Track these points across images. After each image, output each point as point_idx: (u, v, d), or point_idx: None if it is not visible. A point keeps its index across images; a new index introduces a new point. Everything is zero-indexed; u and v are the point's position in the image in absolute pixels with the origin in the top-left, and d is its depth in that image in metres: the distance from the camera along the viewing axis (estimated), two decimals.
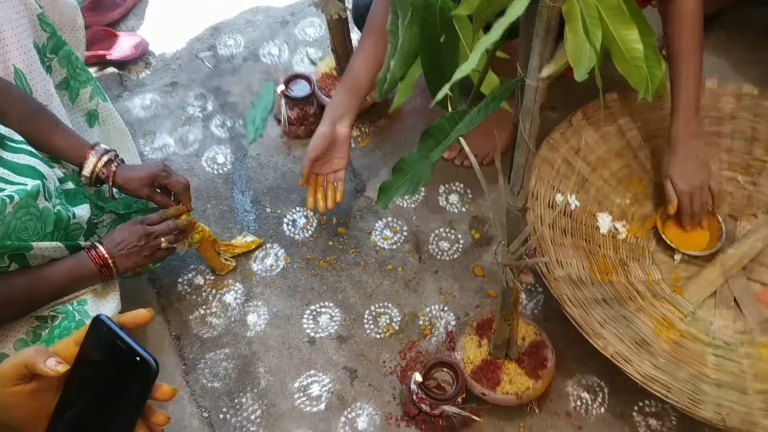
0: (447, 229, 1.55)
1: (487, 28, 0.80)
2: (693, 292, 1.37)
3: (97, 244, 1.25)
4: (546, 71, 0.76)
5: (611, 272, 1.37)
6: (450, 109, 0.94)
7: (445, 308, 1.44)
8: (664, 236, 1.43)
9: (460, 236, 1.54)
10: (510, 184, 0.94)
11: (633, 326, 1.26)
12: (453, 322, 1.42)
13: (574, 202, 1.44)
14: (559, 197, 1.43)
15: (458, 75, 0.80)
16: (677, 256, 1.43)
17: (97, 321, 0.65)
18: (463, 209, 1.58)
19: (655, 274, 1.41)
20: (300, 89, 1.67)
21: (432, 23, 0.89)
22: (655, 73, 0.68)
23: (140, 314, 0.68)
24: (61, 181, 1.27)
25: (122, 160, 1.32)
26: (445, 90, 0.83)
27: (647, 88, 0.68)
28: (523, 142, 0.87)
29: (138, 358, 0.63)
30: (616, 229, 1.45)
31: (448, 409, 1.22)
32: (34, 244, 1.13)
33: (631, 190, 1.51)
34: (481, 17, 0.80)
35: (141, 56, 1.91)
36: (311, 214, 1.59)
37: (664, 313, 1.33)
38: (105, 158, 1.29)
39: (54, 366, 0.64)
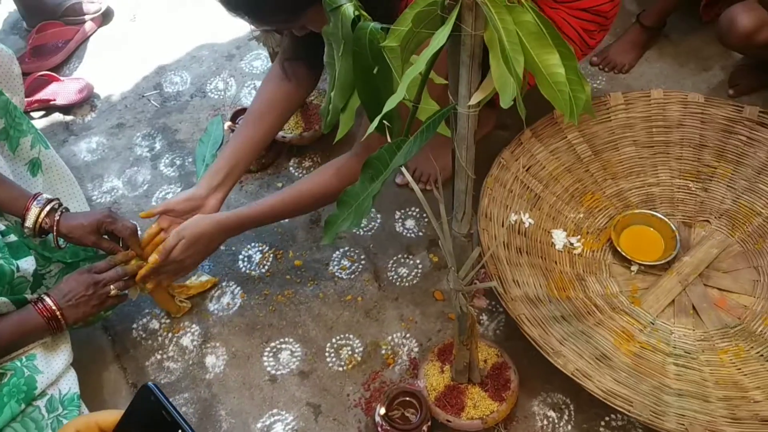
0: (405, 255, 1.54)
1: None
2: (651, 302, 1.38)
3: (44, 297, 1.21)
4: (475, 98, 0.76)
5: (568, 288, 1.37)
6: (389, 139, 0.93)
7: (407, 335, 1.42)
8: (619, 248, 1.44)
9: (418, 261, 1.53)
10: (454, 211, 0.93)
11: (593, 341, 1.26)
12: (416, 349, 1.40)
13: (527, 220, 1.44)
14: (512, 216, 1.43)
15: (389, 105, 0.80)
16: (634, 267, 1.43)
17: (145, 389, 0.63)
18: (420, 233, 1.58)
19: (613, 287, 1.41)
20: None
21: (364, 55, 0.88)
22: (578, 96, 0.68)
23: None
24: (3, 234, 1.24)
25: (66, 209, 1.29)
26: (376, 122, 0.82)
27: (572, 111, 0.68)
28: (461, 168, 0.86)
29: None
30: (572, 244, 1.45)
31: None
32: None
33: (584, 204, 1.52)
34: (409, 47, 0.80)
35: (86, 99, 1.89)
36: (267, 248, 1.56)
37: (623, 325, 1.33)
38: (48, 208, 1.26)
39: None
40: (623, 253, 1.43)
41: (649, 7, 1.84)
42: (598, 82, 1.82)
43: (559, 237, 1.45)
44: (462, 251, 0.97)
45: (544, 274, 1.37)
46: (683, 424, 1.10)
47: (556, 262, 1.41)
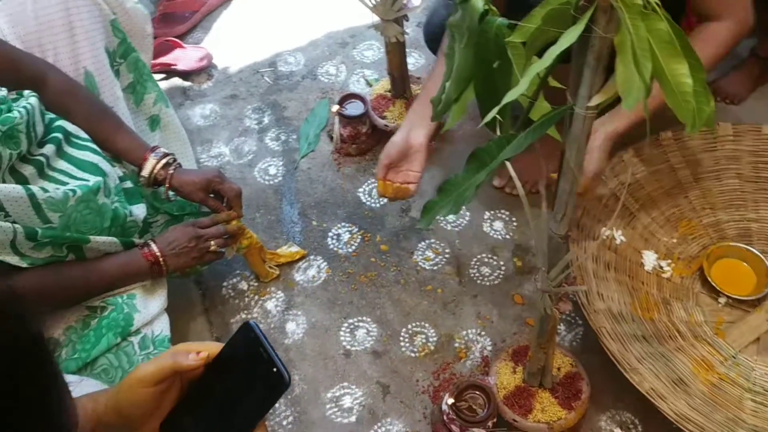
0: (489, 255, 1.56)
1: (540, 56, 0.83)
2: (735, 337, 1.35)
3: (150, 242, 1.30)
4: (595, 100, 0.78)
5: (653, 310, 1.36)
6: (498, 133, 0.96)
7: (482, 333, 1.44)
8: (709, 278, 1.41)
9: (502, 263, 1.55)
10: (554, 211, 0.95)
11: (671, 365, 1.25)
12: (489, 347, 1.42)
13: (619, 237, 1.44)
14: (605, 231, 1.43)
15: (508, 98, 0.82)
16: (722, 299, 1.41)
17: (247, 326, 0.69)
18: (507, 236, 1.59)
19: (698, 316, 1.39)
20: (354, 108, 1.71)
21: (486, 48, 0.91)
22: (703, 108, 0.69)
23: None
24: (121, 179, 1.33)
25: (179, 164, 1.37)
26: (494, 112, 0.85)
27: (694, 123, 0.69)
28: (569, 169, 0.88)
29: (275, 369, 0.66)
30: (661, 267, 1.44)
31: (478, 431, 1.22)
32: (91, 237, 1.19)
33: (679, 230, 1.50)
34: (534, 45, 0.82)
35: (205, 68, 1.99)
36: (356, 229, 1.62)
37: (704, 354, 1.31)
38: (163, 161, 1.34)
39: (195, 358, 0.68)
40: (713, 284, 1.40)
41: (763, 39, 1.79)
42: None
43: (650, 258, 1.43)
44: (555, 252, 0.98)
45: (630, 293, 1.36)
46: None
47: (643, 283, 1.40)
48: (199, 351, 0.69)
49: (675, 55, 0.69)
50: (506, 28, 0.88)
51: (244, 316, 1.49)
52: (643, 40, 0.69)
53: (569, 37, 0.72)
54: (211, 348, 0.70)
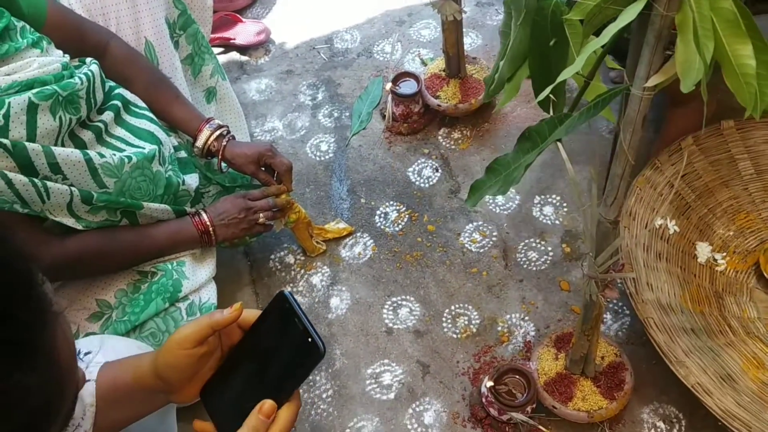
0: (537, 240, 1.54)
1: (598, 34, 0.81)
2: None
3: (201, 212, 1.32)
4: (653, 81, 0.76)
5: (704, 303, 1.32)
6: (552, 113, 0.94)
7: (526, 318, 1.43)
8: (766, 273, 1.36)
9: (550, 248, 1.53)
10: (604, 195, 0.93)
11: (720, 360, 1.21)
12: (532, 333, 1.41)
13: (673, 227, 1.40)
14: (658, 220, 1.39)
15: (563, 76, 0.81)
16: None
17: (281, 295, 0.69)
18: (557, 222, 1.57)
19: (752, 312, 1.34)
20: (407, 87, 1.70)
21: (543, 26, 0.89)
22: (765, 92, 0.66)
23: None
24: (176, 149, 1.36)
25: (233, 137, 1.39)
26: (548, 91, 0.84)
27: (756, 106, 0.66)
28: (622, 152, 0.86)
29: (309, 339, 0.66)
30: (715, 260, 1.40)
31: (516, 416, 1.22)
32: (144, 203, 1.22)
33: (736, 223, 1.45)
34: (593, 22, 0.80)
35: (262, 43, 2.00)
36: (404, 208, 1.61)
37: (755, 352, 1.27)
38: (217, 133, 1.36)
39: (230, 311, 0.69)
40: None
41: None
42: None
43: (704, 250, 1.39)
44: (603, 238, 0.97)
45: (681, 285, 1.33)
46: None
47: (695, 275, 1.36)
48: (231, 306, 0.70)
49: (739, 35, 0.66)
50: (564, 5, 0.87)
51: (289, 289, 1.51)
52: (706, 18, 0.66)
53: (629, 14, 0.70)
54: (248, 312, 0.71)
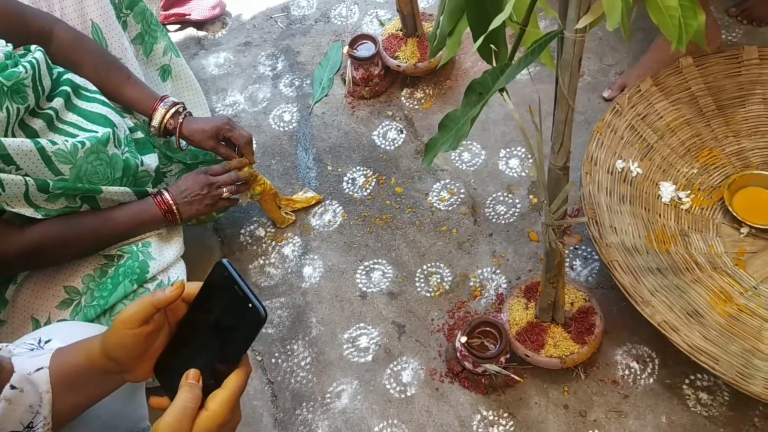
0: (505, 193, 1.55)
1: None
2: (758, 267, 1.32)
3: (163, 191, 1.32)
4: (582, 22, 0.75)
5: (669, 242, 1.33)
6: (494, 64, 0.93)
7: (497, 271, 1.44)
8: (731, 208, 1.37)
9: (517, 201, 1.53)
10: (551, 142, 0.93)
11: (686, 296, 1.23)
12: (504, 285, 1.42)
13: (636, 169, 1.40)
14: (620, 163, 1.40)
15: (494, 24, 0.80)
16: (744, 229, 1.37)
17: (219, 265, 0.70)
18: (523, 174, 1.57)
19: (719, 247, 1.35)
20: (365, 50, 1.68)
21: None
22: (689, 23, 0.66)
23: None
24: (132, 130, 1.35)
25: (189, 113, 1.38)
26: (480, 41, 0.83)
27: (680, 38, 0.66)
28: (562, 97, 0.86)
29: (250, 305, 0.67)
30: (680, 198, 1.40)
31: (490, 367, 1.23)
32: (103, 187, 1.21)
33: (700, 160, 1.45)
34: None
35: (218, 16, 1.98)
36: (371, 173, 1.61)
37: (722, 286, 1.28)
38: (173, 110, 1.35)
39: (171, 289, 0.69)
40: (735, 214, 1.36)
41: None
42: (734, 34, 1.71)
43: (667, 190, 1.40)
44: (556, 185, 0.97)
45: (646, 226, 1.34)
46: None
47: (660, 215, 1.37)
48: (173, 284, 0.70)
49: None
50: None
51: (261, 262, 1.51)
52: None
53: None
54: (191, 286, 0.71)
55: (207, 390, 0.68)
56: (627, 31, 0.66)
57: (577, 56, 0.80)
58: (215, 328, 0.69)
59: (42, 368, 0.74)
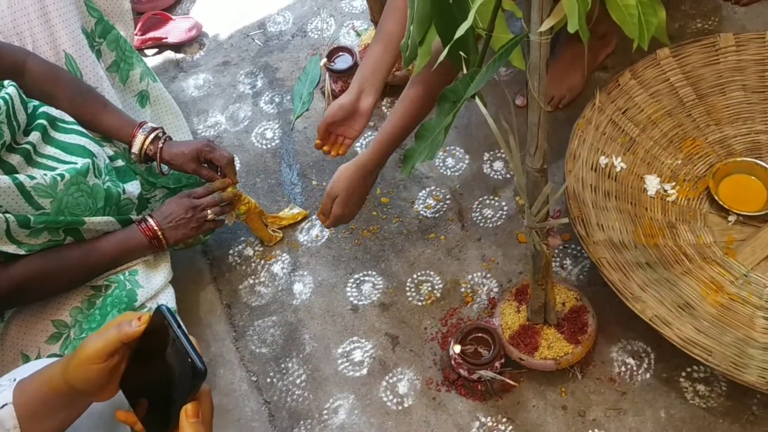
0: (491, 197, 1.54)
1: None
2: (747, 255, 1.31)
3: (148, 218, 1.31)
4: (545, 25, 0.75)
5: (657, 235, 1.33)
6: (465, 70, 0.93)
7: (488, 275, 1.43)
8: (717, 197, 1.37)
9: (504, 203, 1.53)
10: (527, 145, 0.93)
11: (677, 289, 1.22)
12: (495, 289, 1.41)
13: (619, 164, 1.40)
14: (603, 159, 1.39)
15: (460, 31, 0.80)
16: (731, 218, 1.36)
17: (158, 313, 0.69)
18: (508, 176, 1.57)
19: (707, 237, 1.35)
20: (342, 62, 1.68)
21: None
22: (650, 20, 0.66)
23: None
24: (112, 159, 1.34)
25: (169, 137, 1.38)
26: (447, 50, 0.83)
27: (642, 35, 0.66)
28: (533, 99, 0.85)
29: (189, 360, 0.66)
30: (665, 190, 1.40)
31: (485, 373, 1.23)
32: (86, 218, 1.20)
33: (683, 151, 1.45)
34: None
35: (195, 38, 1.97)
36: None
37: (713, 276, 1.28)
38: (152, 135, 1.34)
39: (137, 323, 0.69)
40: (721, 203, 1.36)
41: None
42: (710, 23, 1.71)
43: (653, 183, 1.39)
44: (535, 187, 0.96)
45: (633, 220, 1.33)
46: (765, 378, 1.06)
47: (646, 209, 1.37)
48: (140, 317, 0.70)
49: None
50: None
51: (251, 281, 1.51)
52: None
53: None
54: (130, 333, 0.71)
55: (152, 424, 0.68)
56: (585, 33, 0.65)
57: (544, 59, 0.80)
58: (162, 366, 0.69)
59: (6, 404, 0.73)
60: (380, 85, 1.37)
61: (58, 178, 1.16)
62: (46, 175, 1.15)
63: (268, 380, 1.37)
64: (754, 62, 1.48)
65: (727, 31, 1.59)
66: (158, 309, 0.68)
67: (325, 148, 1.40)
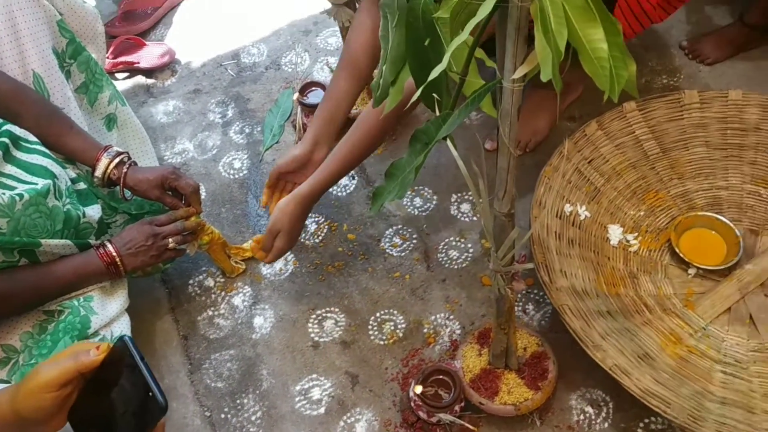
0: (457, 238, 1.54)
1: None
2: (706, 308, 1.33)
3: (106, 243, 1.28)
4: (519, 72, 0.76)
5: (619, 285, 1.34)
6: (438, 112, 0.94)
7: (451, 317, 1.43)
8: (678, 249, 1.39)
9: (470, 245, 1.53)
10: (495, 190, 0.93)
11: (637, 339, 1.23)
12: (458, 331, 1.41)
13: (584, 212, 1.42)
14: (567, 207, 1.41)
15: (433, 75, 0.80)
16: (691, 270, 1.39)
17: (121, 343, 0.67)
18: (475, 218, 1.57)
19: (667, 289, 1.37)
20: (315, 96, 1.68)
21: (416, 27, 0.89)
22: (621, 73, 0.67)
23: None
24: (74, 181, 1.31)
25: (134, 163, 1.36)
26: (419, 91, 0.83)
27: (613, 88, 0.67)
28: (504, 145, 0.86)
29: (150, 394, 0.64)
30: (628, 241, 1.42)
31: (444, 417, 1.21)
32: (42, 240, 1.17)
33: (646, 202, 1.48)
34: (459, 19, 0.80)
35: (168, 64, 1.96)
36: (322, 219, 1.60)
37: (672, 327, 1.29)
38: (117, 160, 1.32)
39: (96, 353, 0.67)
40: (681, 255, 1.38)
41: (753, 5, 1.73)
42: (675, 79, 1.76)
43: (615, 233, 1.41)
44: (501, 231, 0.97)
45: (595, 269, 1.34)
46: None
47: (609, 258, 1.38)
48: (98, 346, 0.67)
49: (590, 19, 0.67)
50: (433, 3, 0.86)
51: (210, 313, 1.48)
52: (558, 6, 0.67)
53: (485, 8, 0.70)
54: (87, 363, 0.69)
55: None
56: (558, 83, 0.66)
57: (516, 105, 0.81)
58: (116, 403, 0.67)
59: None
60: (336, 134, 1.41)
61: (17, 197, 1.13)
62: (4, 194, 1.11)
63: (223, 416, 1.34)
64: (716, 120, 1.52)
65: (691, 88, 1.64)
66: (121, 339, 0.66)
67: (272, 205, 1.43)
